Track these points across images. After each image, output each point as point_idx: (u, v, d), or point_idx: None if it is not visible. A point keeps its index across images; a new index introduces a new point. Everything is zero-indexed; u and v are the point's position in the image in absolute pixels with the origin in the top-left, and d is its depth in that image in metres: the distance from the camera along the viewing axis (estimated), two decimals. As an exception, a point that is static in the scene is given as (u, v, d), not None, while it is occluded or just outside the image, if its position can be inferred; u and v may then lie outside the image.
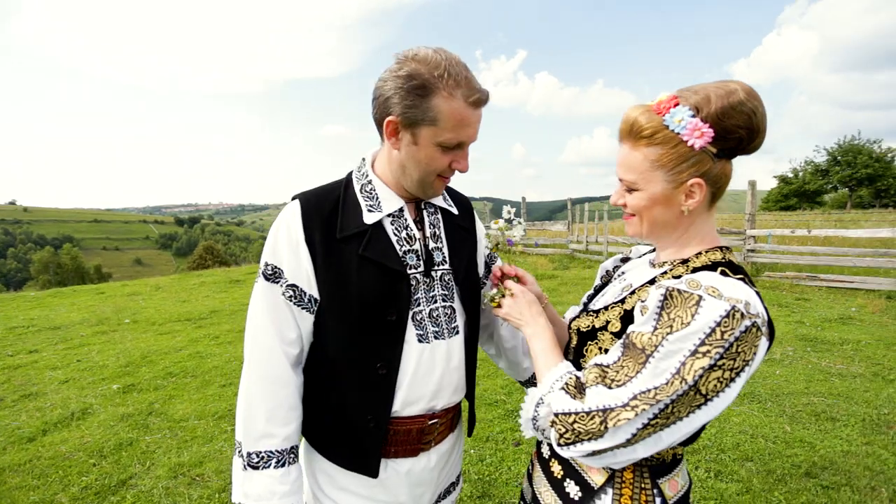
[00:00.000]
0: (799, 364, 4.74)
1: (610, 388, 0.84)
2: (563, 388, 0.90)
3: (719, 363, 0.77)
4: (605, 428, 0.81)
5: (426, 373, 1.11)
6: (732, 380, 0.79)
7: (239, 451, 1.08)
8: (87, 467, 3.18)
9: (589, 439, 0.83)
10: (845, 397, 3.94)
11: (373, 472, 1.11)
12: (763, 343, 0.82)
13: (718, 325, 0.77)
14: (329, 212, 1.09)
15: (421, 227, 1.16)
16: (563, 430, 0.86)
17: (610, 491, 0.94)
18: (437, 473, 1.21)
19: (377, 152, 1.18)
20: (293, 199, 1.13)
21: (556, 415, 0.87)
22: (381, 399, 1.08)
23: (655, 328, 0.83)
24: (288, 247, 1.07)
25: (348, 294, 1.06)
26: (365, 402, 1.09)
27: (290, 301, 1.07)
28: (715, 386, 0.78)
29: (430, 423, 1.14)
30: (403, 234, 1.12)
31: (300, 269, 1.07)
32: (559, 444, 0.88)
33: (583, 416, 0.84)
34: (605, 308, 1.01)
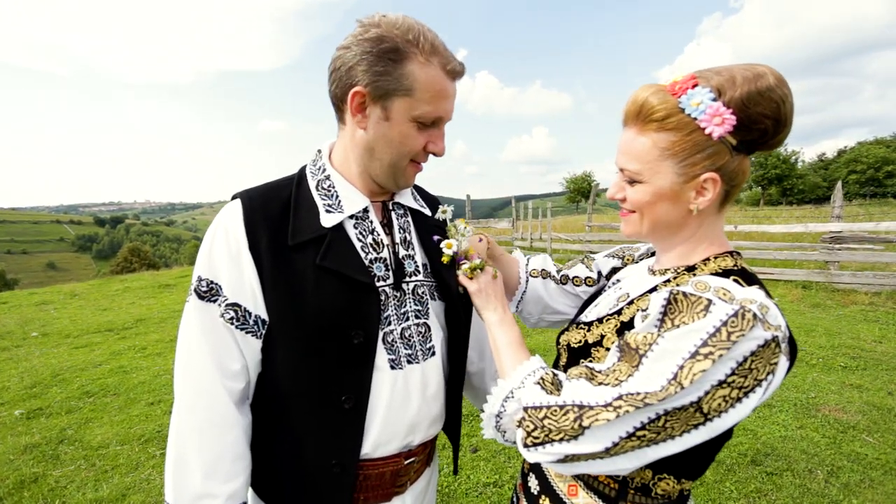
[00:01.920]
0: (734, 353, 5.02)
1: (594, 385, 0.72)
2: (537, 383, 0.77)
3: (729, 380, 0.66)
4: (581, 427, 0.69)
5: (401, 405, 0.94)
6: (739, 399, 0.67)
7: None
8: (-20, 513, 2.71)
9: (561, 440, 0.71)
10: (777, 383, 4.20)
11: None
12: (783, 362, 0.71)
13: (724, 324, 0.65)
14: (278, 213, 0.90)
15: (389, 232, 1.00)
16: (532, 426, 0.73)
17: None
18: None
19: (334, 143, 1.00)
20: (233, 198, 0.93)
21: (526, 409, 0.75)
22: (349, 439, 0.91)
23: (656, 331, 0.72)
24: (227, 257, 0.88)
25: (304, 312, 0.87)
26: (328, 444, 0.90)
27: (231, 324, 0.88)
28: (719, 405, 0.67)
29: (407, 462, 0.98)
30: (369, 239, 0.95)
31: (243, 283, 0.87)
32: (525, 445, 0.75)
33: (555, 411, 0.71)
34: (599, 321, 0.90)
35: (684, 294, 0.72)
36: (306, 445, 0.92)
